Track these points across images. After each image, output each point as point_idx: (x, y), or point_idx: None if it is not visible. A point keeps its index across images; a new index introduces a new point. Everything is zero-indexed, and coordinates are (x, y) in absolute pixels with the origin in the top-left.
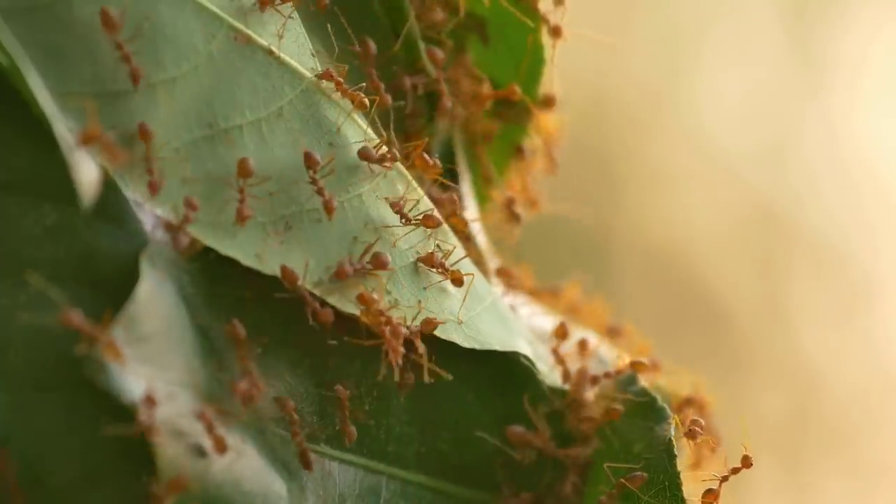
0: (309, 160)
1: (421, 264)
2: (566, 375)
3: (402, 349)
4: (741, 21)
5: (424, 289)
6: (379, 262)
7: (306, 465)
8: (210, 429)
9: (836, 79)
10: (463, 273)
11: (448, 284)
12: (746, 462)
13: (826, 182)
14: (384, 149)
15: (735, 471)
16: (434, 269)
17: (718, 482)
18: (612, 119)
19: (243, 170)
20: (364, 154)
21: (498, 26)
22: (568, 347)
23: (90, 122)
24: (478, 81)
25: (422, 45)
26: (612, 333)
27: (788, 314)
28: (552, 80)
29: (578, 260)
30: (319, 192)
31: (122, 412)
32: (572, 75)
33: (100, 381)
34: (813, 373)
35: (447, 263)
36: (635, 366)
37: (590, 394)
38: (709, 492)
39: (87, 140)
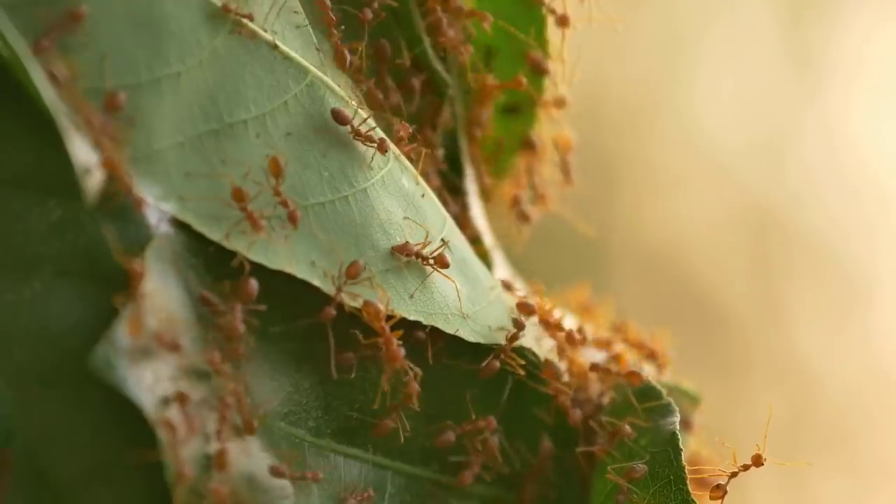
0: (274, 166)
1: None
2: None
3: (401, 354)
4: (738, 22)
5: (426, 282)
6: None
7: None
8: (220, 436)
9: (834, 79)
10: (466, 269)
11: (454, 277)
12: (757, 460)
13: (823, 182)
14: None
15: (745, 468)
16: (411, 258)
17: (727, 478)
18: (609, 119)
19: (237, 195)
20: (338, 115)
21: (502, 19)
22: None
23: (110, 153)
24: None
25: (426, 40)
26: (651, 357)
27: (786, 314)
28: (559, 74)
29: (575, 260)
30: (283, 203)
31: (128, 407)
32: (568, 73)
33: (105, 377)
34: (810, 373)
35: (425, 251)
36: (630, 376)
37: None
38: (717, 487)
39: (106, 166)
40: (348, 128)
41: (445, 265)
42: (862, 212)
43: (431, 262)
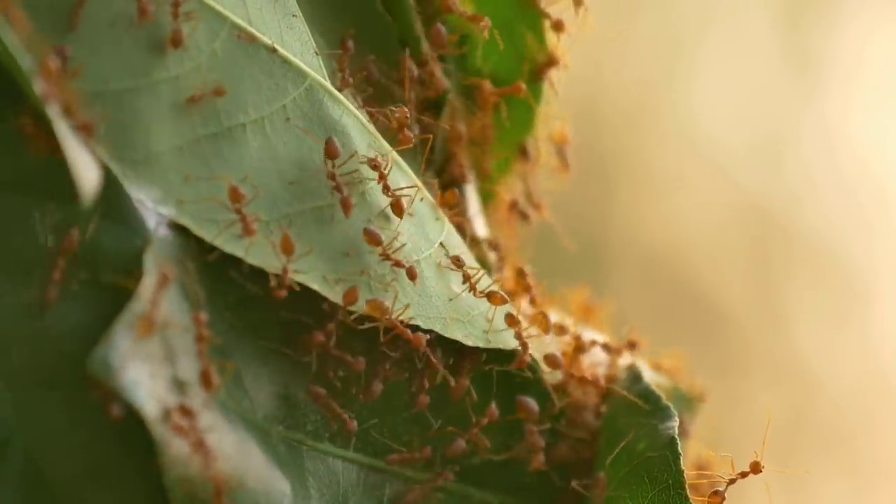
0: (329, 150)
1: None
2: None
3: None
4: (737, 23)
5: (424, 286)
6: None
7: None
8: (190, 429)
9: (832, 80)
10: (472, 273)
11: (452, 280)
12: (755, 468)
13: (822, 183)
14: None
15: (743, 474)
16: (377, 249)
17: (726, 483)
18: (608, 121)
19: (234, 195)
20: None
21: (501, 24)
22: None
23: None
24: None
25: (425, 43)
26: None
27: (785, 314)
28: (556, 78)
29: (573, 260)
30: (337, 188)
31: (125, 409)
32: (568, 74)
33: (103, 379)
34: (809, 373)
35: (391, 252)
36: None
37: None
38: (715, 493)
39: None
40: (376, 176)
41: (412, 276)
42: (861, 212)
43: (392, 264)
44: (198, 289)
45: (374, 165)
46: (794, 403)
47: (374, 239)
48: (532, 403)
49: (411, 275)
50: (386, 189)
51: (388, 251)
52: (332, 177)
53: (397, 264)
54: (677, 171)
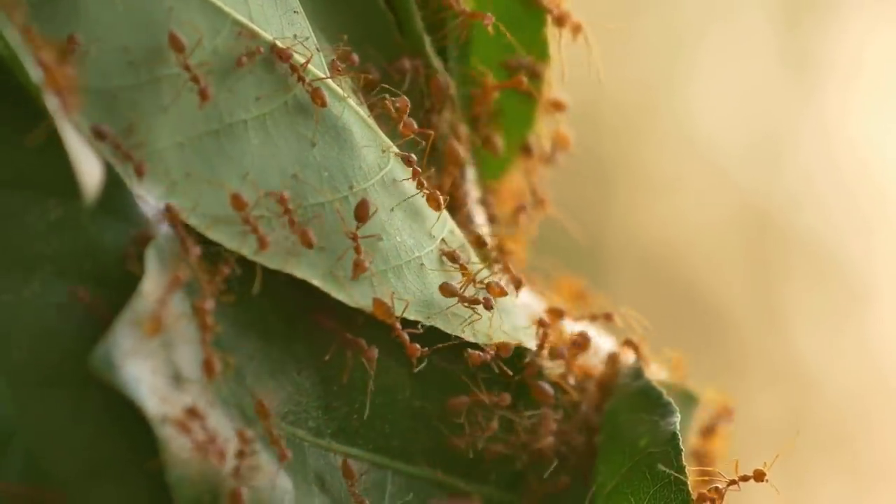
0: (361, 211)
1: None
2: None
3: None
4: (736, 24)
5: (425, 282)
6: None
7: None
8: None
9: (831, 81)
10: (474, 272)
11: (455, 277)
12: (760, 476)
13: (821, 184)
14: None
15: (744, 478)
16: (453, 300)
17: (726, 484)
18: (607, 122)
19: (236, 202)
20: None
21: (503, 20)
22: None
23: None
24: (482, 73)
25: (426, 39)
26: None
27: (783, 316)
28: (558, 74)
29: (572, 262)
30: (357, 249)
31: (127, 406)
32: (566, 75)
33: (105, 376)
34: (807, 375)
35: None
36: (628, 344)
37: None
38: (714, 489)
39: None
40: (288, 67)
41: (489, 307)
42: (859, 213)
43: (467, 305)
44: (203, 280)
45: (280, 55)
46: (792, 404)
47: (450, 292)
48: (548, 387)
49: (488, 306)
50: (301, 80)
51: (466, 298)
52: (355, 237)
53: (473, 303)
54: (676, 172)
